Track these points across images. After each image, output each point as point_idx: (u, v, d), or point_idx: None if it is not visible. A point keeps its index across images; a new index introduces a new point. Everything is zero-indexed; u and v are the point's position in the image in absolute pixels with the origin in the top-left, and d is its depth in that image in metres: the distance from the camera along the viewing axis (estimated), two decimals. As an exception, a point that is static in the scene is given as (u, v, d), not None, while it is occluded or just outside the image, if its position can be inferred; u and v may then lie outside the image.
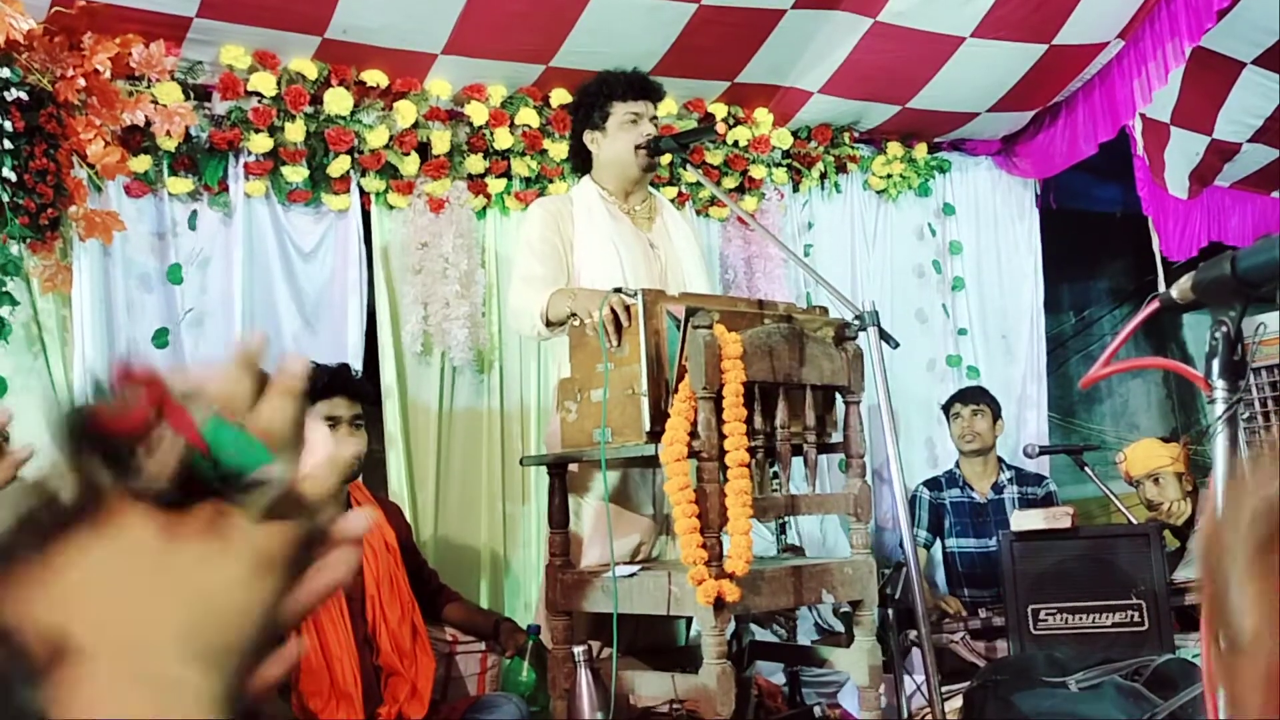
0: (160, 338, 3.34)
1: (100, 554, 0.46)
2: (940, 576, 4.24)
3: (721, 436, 2.28)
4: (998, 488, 4.11)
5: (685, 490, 2.23)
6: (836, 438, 2.64)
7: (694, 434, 2.28)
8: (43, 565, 0.46)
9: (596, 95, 3.00)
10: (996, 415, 4.16)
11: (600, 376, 2.43)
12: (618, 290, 2.48)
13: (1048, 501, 4.02)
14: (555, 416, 2.72)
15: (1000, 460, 4.19)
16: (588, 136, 3.02)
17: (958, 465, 4.21)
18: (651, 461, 2.44)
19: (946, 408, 4.23)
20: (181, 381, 0.49)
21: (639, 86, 2.99)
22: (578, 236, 2.95)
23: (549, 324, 2.75)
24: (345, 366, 2.88)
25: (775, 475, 2.59)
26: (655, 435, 2.32)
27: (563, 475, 2.66)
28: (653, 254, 2.98)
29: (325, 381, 2.75)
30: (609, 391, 2.41)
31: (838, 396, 2.63)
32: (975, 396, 4.18)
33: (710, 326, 2.30)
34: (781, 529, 3.61)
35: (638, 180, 3.02)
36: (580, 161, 3.10)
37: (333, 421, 2.72)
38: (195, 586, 0.47)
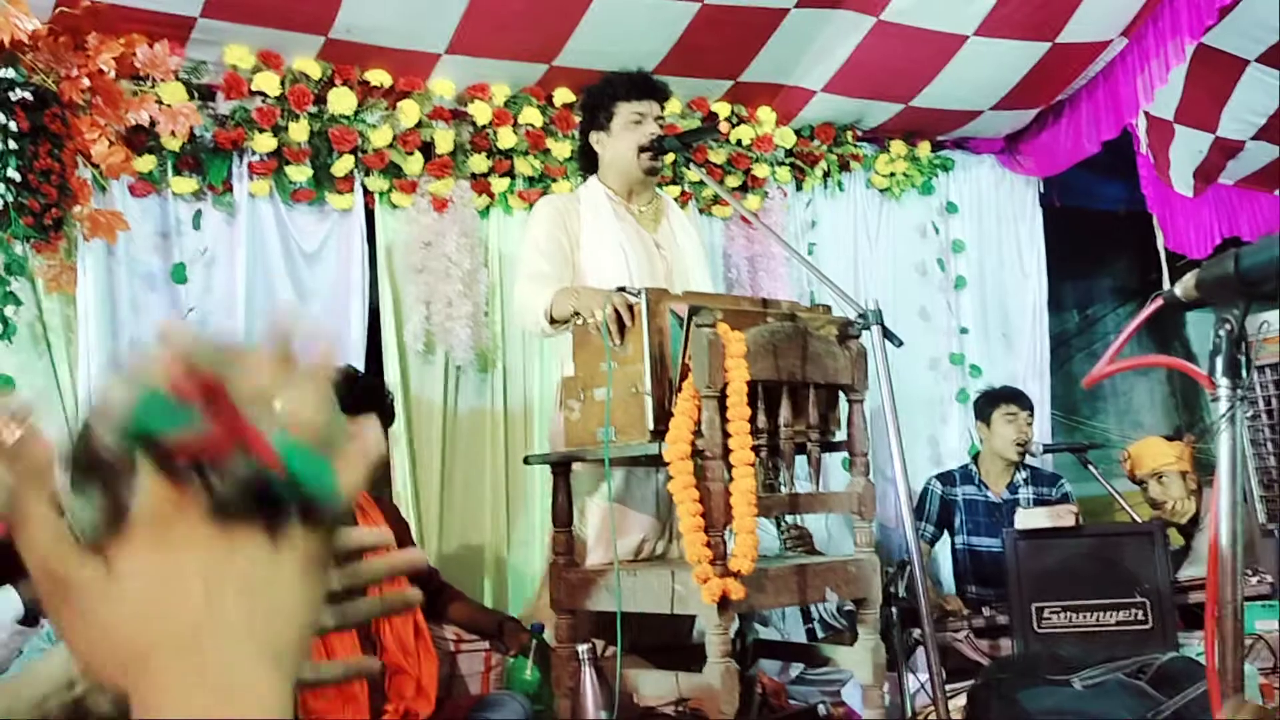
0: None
1: (163, 559, 0.47)
2: (946, 573, 4.22)
3: (725, 435, 2.28)
4: (1013, 488, 4.07)
5: (689, 489, 2.23)
6: (840, 436, 2.65)
7: (698, 433, 2.28)
8: (107, 573, 0.47)
9: (601, 96, 3.01)
10: None
11: (604, 375, 2.43)
12: (621, 289, 2.48)
13: (1063, 503, 3.98)
14: (557, 415, 2.72)
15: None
16: (593, 137, 3.03)
17: (975, 462, 4.17)
18: (655, 460, 2.44)
19: (993, 405, 4.11)
20: (232, 373, 0.49)
21: (643, 87, 2.99)
22: (584, 235, 2.96)
23: (553, 321, 2.76)
24: (379, 383, 2.90)
25: (778, 473, 2.59)
26: (659, 434, 2.33)
27: (567, 474, 2.67)
28: (658, 254, 2.99)
29: (360, 398, 2.77)
30: (612, 390, 2.42)
31: (841, 395, 2.63)
32: (1028, 400, 4.11)
33: (714, 325, 2.30)
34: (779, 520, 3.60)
35: (642, 181, 3.02)
36: (587, 162, 3.11)
37: None
38: (255, 590, 0.48)
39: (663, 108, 3.04)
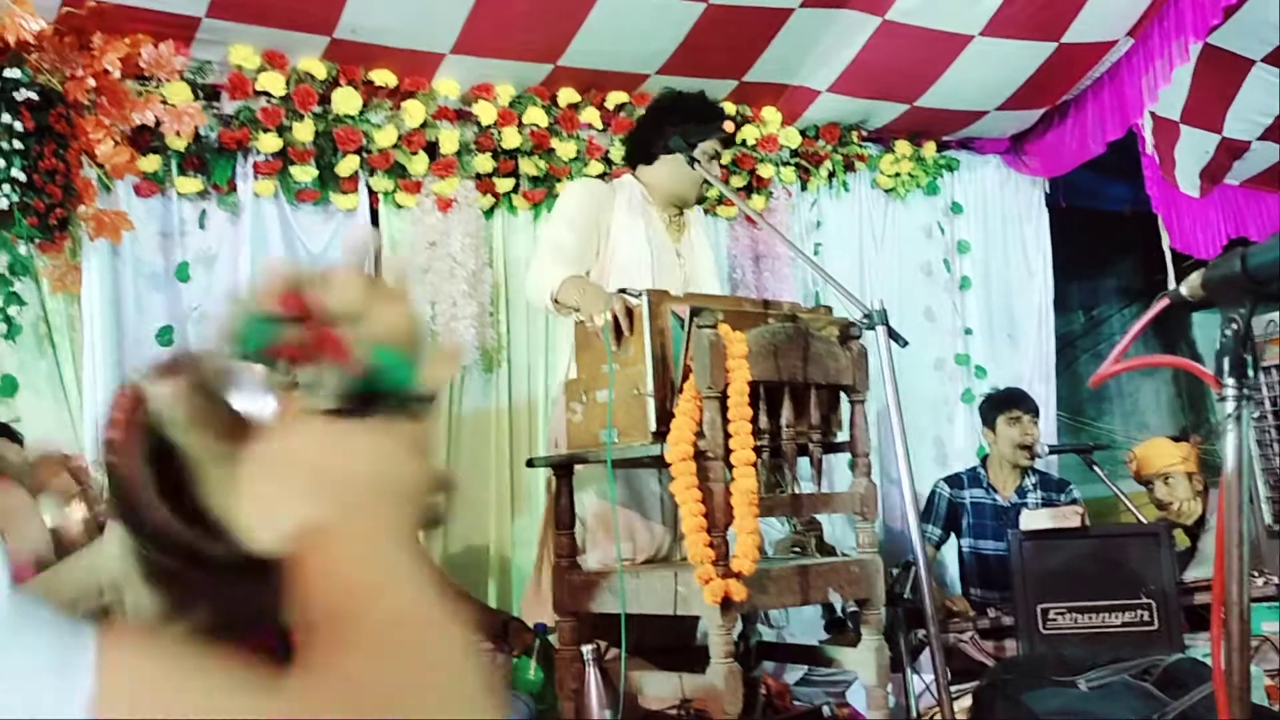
0: (165, 335, 3.35)
1: (287, 446, 0.59)
2: (951, 575, 4.21)
3: (727, 436, 2.27)
4: (1021, 492, 4.05)
5: (691, 490, 2.23)
6: (843, 437, 2.64)
7: (699, 433, 2.28)
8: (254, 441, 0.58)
9: (700, 114, 3.07)
10: None
11: (606, 377, 2.43)
12: (623, 291, 2.48)
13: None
14: (558, 415, 2.72)
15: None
16: (673, 141, 3.03)
17: (983, 465, 4.16)
18: (658, 461, 2.44)
19: (996, 410, 4.10)
20: (326, 300, 0.61)
21: (729, 139, 3.17)
22: (615, 225, 2.98)
23: (556, 303, 2.78)
24: None
25: (781, 476, 2.58)
26: (661, 435, 2.32)
27: (569, 476, 2.66)
28: (677, 262, 3.04)
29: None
30: (614, 392, 2.41)
31: (843, 395, 2.62)
32: (1033, 405, 4.09)
33: (715, 326, 2.30)
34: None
35: (683, 202, 3.10)
36: (642, 153, 3.10)
37: None
38: (381, 462, 0.60)
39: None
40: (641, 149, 3.11)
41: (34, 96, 2.98)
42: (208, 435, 0.59)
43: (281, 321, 0.59)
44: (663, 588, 2.40)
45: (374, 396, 0.60)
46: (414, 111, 3.59)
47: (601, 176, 3.72)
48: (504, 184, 3.81)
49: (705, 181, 3.02)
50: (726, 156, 4.20)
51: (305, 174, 3.49)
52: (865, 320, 2.47)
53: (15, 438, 2.40)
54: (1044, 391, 4.82)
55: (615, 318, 2.42)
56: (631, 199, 3.02)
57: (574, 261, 2.85)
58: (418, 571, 0.56)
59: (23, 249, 3.07)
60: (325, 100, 3.49)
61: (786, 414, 2.42)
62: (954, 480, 4.15)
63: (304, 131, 3.44)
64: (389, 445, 0.60)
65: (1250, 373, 1.33)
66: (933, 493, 4.12)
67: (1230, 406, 1.31)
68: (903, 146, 4.63)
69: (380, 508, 0.58)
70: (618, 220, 2.99)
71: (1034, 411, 4.08)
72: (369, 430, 0.60)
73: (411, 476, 0.61)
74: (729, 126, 4.12)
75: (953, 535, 4.15)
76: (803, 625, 3.78)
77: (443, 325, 3.64)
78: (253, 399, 0.58)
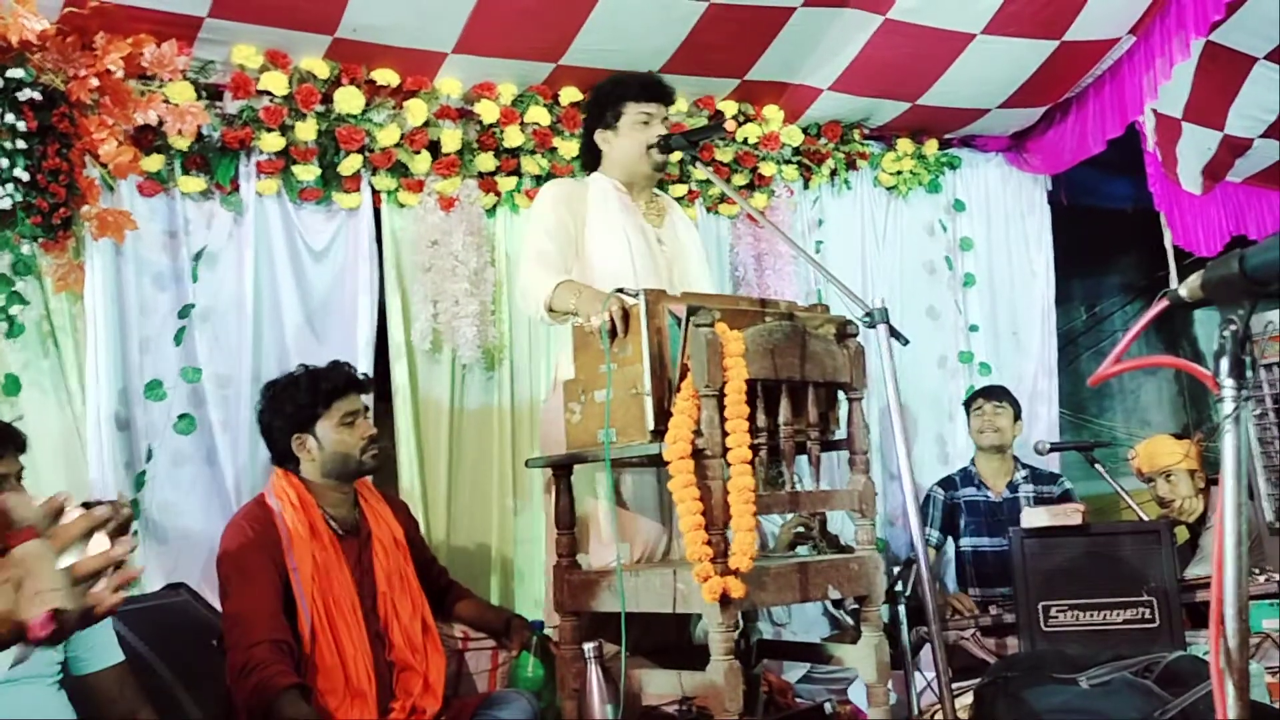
0: (179, 337, 3.36)
1: None
2: (951, 575, 4.23)
3: (724, 434, 2.28)
4: (1013, 486, 4.11)
5: (689, 488, 2.24)
6: (841, 434, 2.64)
7: (697, 432, 2.28)
8: None
9: (610, 95, 3.04)
10: (1017, 415, 4.18)
11: (604, 377, 2.43)
12: (620, 290, 2.49)
13: (1064, 500, 3.99)
14: (548, 416, 2.73)
15: (1015, 459, 4.18)
16: (599, 135, 3.05)
17: (973, 463, 4.20)
18: (656, 460, 2.44)
19: (968, 403, 4.25)
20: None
21: (652, 89, 3.03)
22: (590, 219, 2.98)
23: (551, 311, 2.78)
24: (345, 364, 2.96)
25: (780, 473, 2.59)
26: (659, 434, 2.33)
27: (569, 476, 2.67)
28: (659, 249, 3.02)
29: (342, 383, 2.83)
30: (612, 391, 2.42)
31: (841, 393, 2.63)
32: (999, 394, 4.20)
33: (712, 324, 2.30)
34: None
35: (647, 177, 3.06)
36: (590, 158, 3.14)
37: (352, 417, 2.80)
38: None
39: (668, 110, 3.07)
40: (589, 152, 3.12)
41: (37, 96, 2.99)
42: None
43: None
44: (662, 585, 2.41)
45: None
46: (416, 110, 3.60)
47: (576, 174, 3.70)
48: (506, 183, 3.81)
49: (650, 148, 2.97)
50: (728, 154, 4.21)
51: (308, 173, 3.50)
52: (866, 318, 2.47)
53: (18, 438, 2.41)
54: (1046, 388, 4.83)
55: (612, 318, 2.43)
56: (605, 191, 3.01)
57: (558, 266, 2.85)
58: None
59: (26, 248, 3.07)
60: (327, 99, 3.49)
61: (784, 412, 2.43)
62: (947, 483, 4.20)
63: (306, 131, 3.45)
64: None
65: (1249, 373, 1.34)
66: (927, 498, 4.16)
67: (1229, 407, 1.32)
68: (905, 144, 4.63)
69: None
70: (593, 215, 2.98)
71: (997, 398, 4.15)
72: None
73: None
74: (730, 125, 4.14)
75: (950, 538, 4.18)
76: (805, 623, 3.79)
77: (445, 324, 3.65)
78: None
